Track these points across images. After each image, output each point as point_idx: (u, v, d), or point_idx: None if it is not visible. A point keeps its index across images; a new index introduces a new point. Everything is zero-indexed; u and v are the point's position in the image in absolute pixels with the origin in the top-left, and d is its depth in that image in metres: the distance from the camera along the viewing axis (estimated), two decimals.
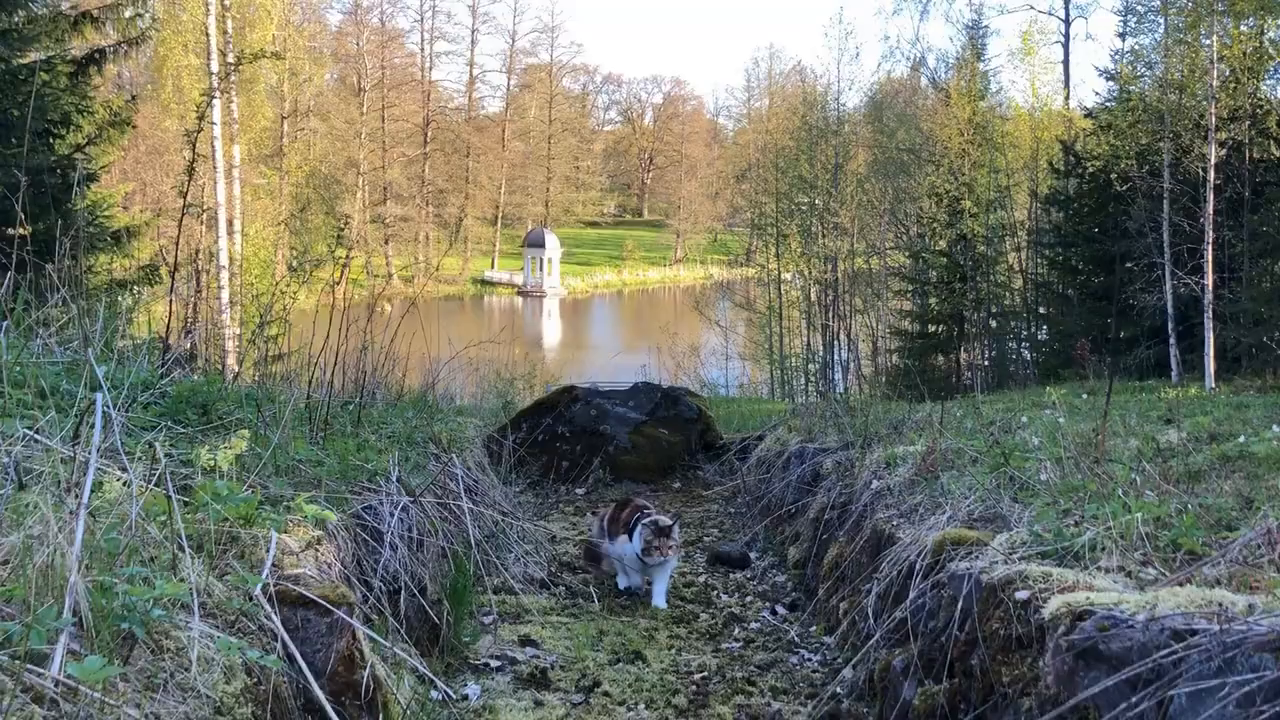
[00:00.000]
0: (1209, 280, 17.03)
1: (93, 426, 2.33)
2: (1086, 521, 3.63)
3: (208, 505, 3.08)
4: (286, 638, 2.79)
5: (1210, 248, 17.06)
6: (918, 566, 4.10)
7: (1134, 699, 2.26)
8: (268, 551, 3.07)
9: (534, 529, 7.09)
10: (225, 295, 24.33)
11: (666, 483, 10.52)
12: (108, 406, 2.49)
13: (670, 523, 5.61)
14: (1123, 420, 6.47)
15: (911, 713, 3.63)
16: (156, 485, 2.73)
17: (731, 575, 6.72)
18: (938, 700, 3.47)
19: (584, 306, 53.52)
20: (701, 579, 6.54)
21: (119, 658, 2.12)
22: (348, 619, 3.00)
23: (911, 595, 3.87)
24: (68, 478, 2.39)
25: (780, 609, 5.84)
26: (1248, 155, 18.33)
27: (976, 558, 3.63)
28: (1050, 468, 4.66)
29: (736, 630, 5.41)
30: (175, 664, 2.30)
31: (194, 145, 6.27)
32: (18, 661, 1.81)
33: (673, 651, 4.96)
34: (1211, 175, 16.85)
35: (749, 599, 6.09)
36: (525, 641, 4.93)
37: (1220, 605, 2.40)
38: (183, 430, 4.21)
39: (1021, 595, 3.18)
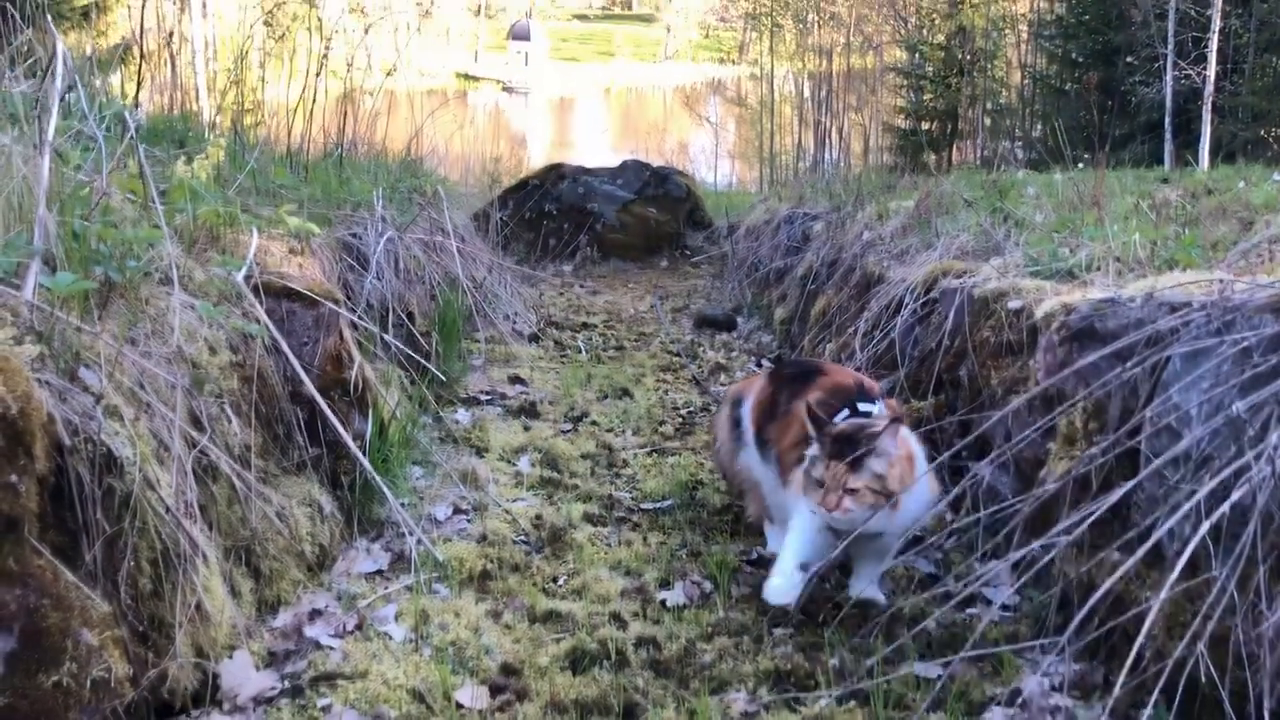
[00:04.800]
0: (1211, 71, 16.55)
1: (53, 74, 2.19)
2: (1084, 245, 3.57)
3: (185, 207, 2.98)
4: (272, 326, 2.74)
5: (1216, 37, 16.50)
6: (906, 300, 4.07)
7: (1128, 365, 2.25)
8: (249, 248, 3.00)
9: (522, 290, 7.05)
10: (201, 80, 23.50)
11: (654, 261, 10.46)
12: (68, 60, 2.35)
13: (878, 429, 2.52)
14: (1119, 182, 6.36)
15: None
16: (127, 155, 2.61)
17: (718, 336, 6.74)
18: (924, 413, 3.50)
19: (570, 104, 52.13)
20: (688, 338, 6.56)
21: (95, 307, 2.06)
22: (336, 310, 2.95)
23: (903, 315, 3.85)
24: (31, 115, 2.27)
25: (765, 362, 5.87)
26: None
27: (969, 277, 3.59)
28: (1047, 208, 4.59)
29: (722, 377, 5.45)
30: (155, 327, 2.25)
31: None
32: None
33: (659, 392, 5.00)
34: None
35: (735, 354, 6.12)
36: (514, 380, 4.95)
37: (1221, 281, 2.36)
38: (159, 156, 4.07)
39: (1014, 304, 3.16)
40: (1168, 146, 16.87)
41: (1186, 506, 1.93)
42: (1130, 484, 2.07)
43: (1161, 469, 2.07)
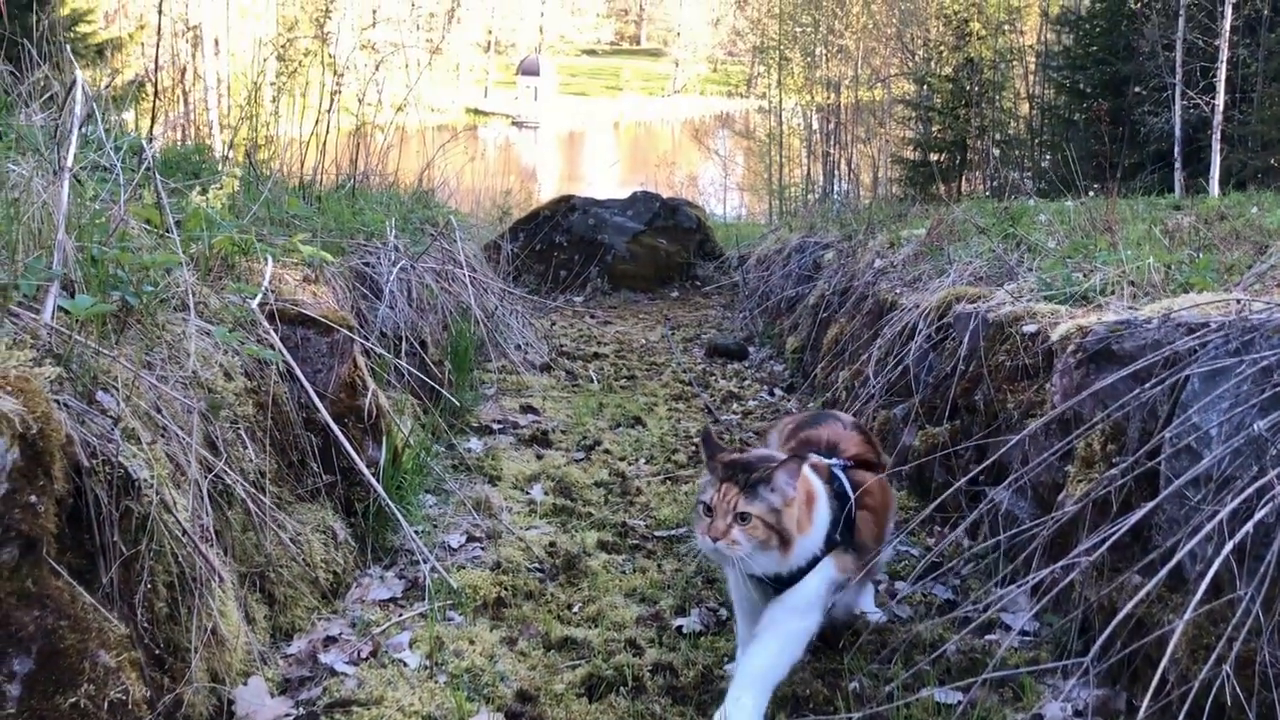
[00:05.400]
0: (1220, 100, 16.60)
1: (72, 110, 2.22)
2: (1098, 269, 3.57)
3: (201, 237, 2.99)
4: (286, 353, 2.75)
5: (1224, 66, 16.57)
6: (920, 326, 4.07)
7: (1146, 386, 2.23)
8: (264, 276, 3.01)
9: (534, 320, 7.07)
10: (214, 116, 23.71)
11: (665, 292, 10.47)
12: (86, 89, 2.37)
13: (776, 462, 2.25)
14: (1130, 209, 6.36)
15: (911, 453, 3.65)
16: (143, 186, 2.63)
17: (729, 365, 6.73)
18: (939, 439, 3.48)
19: (579, 138, 52.47)
20: (700, 368, 6.56)
21: (112, 331, 2.07)
22: (350, 337, 2.96)
23: (917, 341, 3.84)
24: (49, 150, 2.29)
25: (778, 390, 5.86)
26: None
27: (983, 302, 3.58)
28: (1060, 234, 4.59)
29: (734, 405, 5.44)
30: (171, 352, 2.26)
31: None
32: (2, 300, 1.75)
33: (672, 421, 4.99)
34: None
35: (747, 383, 6.11)
36: (526, 409, 4.95)
37: (1238, 301, 2.36)
38: (174, 187, 4.10)
39: (1029, 328, 3.15)
40: (1177, 176, 16.88)
41: (1209, 527, 1.91)
42: (1150, 505, 2.05)
43: (1182, 490, 2.06)
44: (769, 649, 2.24)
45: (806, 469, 2.33)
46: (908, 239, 5.55)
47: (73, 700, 1.47)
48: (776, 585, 2.28)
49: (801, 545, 2.25)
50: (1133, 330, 2.46)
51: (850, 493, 2.44)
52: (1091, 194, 8.65)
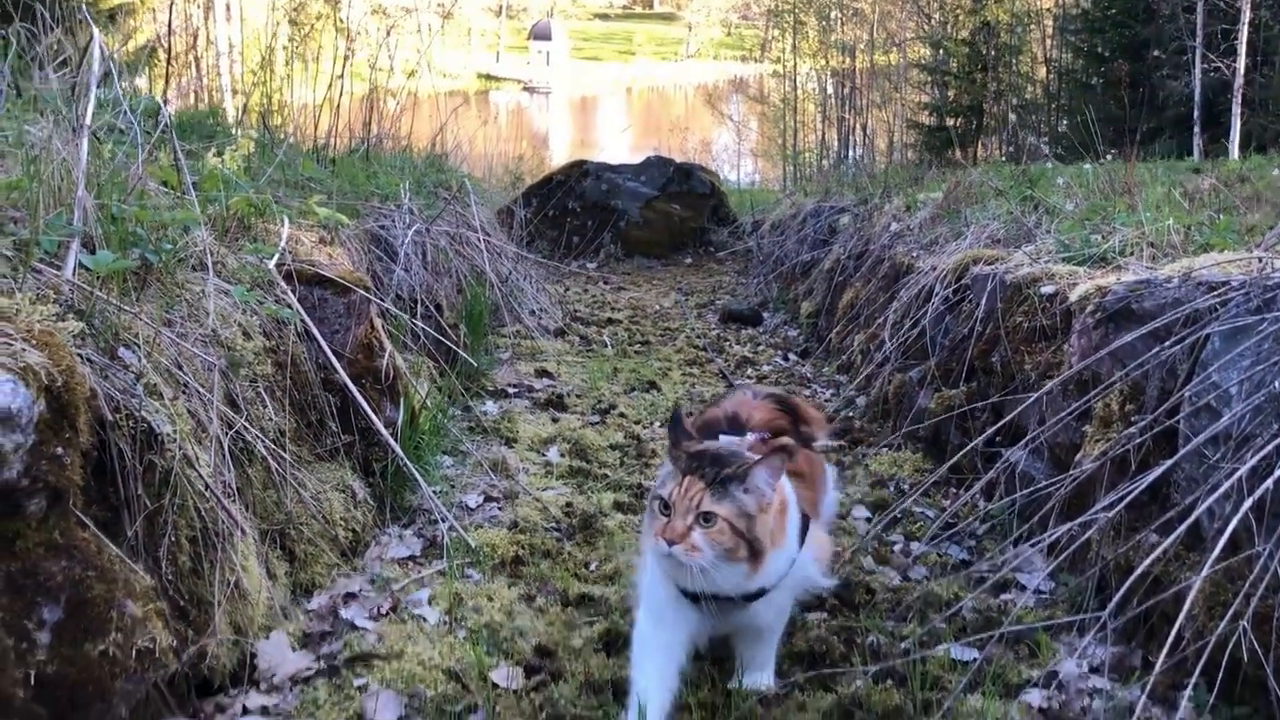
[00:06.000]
0: (1241, 63, 16.38)
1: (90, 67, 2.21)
2: (1117, 230, 3.54)
3: (218, 198, 3.00)
4: (304, 314, 2.76)
5: (1245, 29, 16.33)
6: (936, 289, 4.05)
7: (1166, 344, 2.23)
8: (281, 237, 3.02)
9: (547, 285, 7.07)
10: (226, 81, 23.63)
11: (678, 257, 10.45)
12: (104, 49, 2.37)
13: (752, 457, 1.93)
14: (1149, 172, 6.30)
15: (926, 415, 3.65)
16: (159, 148, 2.63)
17: (743, 331, 6.72)
18: (955, 401, 3.48)
19: (592, 103, 52.21)
20: (714, 333, 6.55)
21: (133, 288, 2.08)
22: (368, 298, 2.96)
23: (933, 304, 3.83)
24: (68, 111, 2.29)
25: (792, 355, 5.86)
26: None
27: (1001, 264, 3.56)
28: (1078, 196, 4.56)
29: (749, 370, 5.44)
30: (190, 310, 2.27)
31: None
32: (23, 254, 1.76)
33: (687, 385, 5.00)
34: None
35: (761, 348, 6.11)
36: (541, 373, 4.96)
37: (1260, 260, 2.34)
38: (189, 149, 4.10)
39: (1048, 289, 3.13)
40: (1197, 139, 16.71)
41: (1227, 485, 1.91)
42: (1169, 463, 2.06)
43: (1201, 448, 2.05)
44: (769, 644, 2.16)
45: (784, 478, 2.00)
46: (924, 203, 5.53)
47: (101, 648, 1.49)
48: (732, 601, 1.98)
49: (774, 561, 1.94)
50: (1152, 289, 2.45)
51: None
52: (1110, 157, 8.57)
